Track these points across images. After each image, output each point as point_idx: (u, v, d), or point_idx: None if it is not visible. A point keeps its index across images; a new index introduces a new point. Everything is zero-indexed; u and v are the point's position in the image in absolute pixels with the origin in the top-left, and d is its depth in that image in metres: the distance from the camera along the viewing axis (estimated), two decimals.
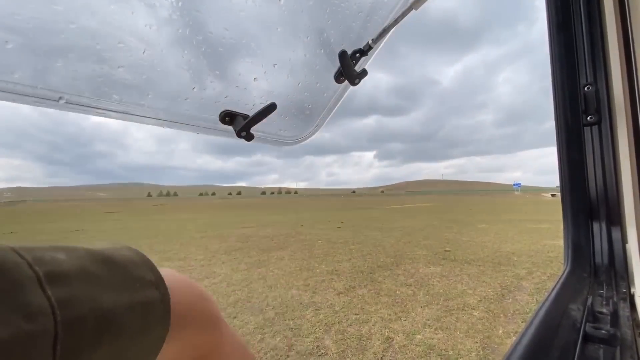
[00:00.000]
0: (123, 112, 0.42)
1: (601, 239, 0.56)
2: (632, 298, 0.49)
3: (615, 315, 0.46)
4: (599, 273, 0.55)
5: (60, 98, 0.37)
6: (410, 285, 4.81)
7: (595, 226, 0.57)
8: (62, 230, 14.81)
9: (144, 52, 0.40)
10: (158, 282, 0.27)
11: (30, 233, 13.58)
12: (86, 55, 0.39)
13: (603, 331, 0.42)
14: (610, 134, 0.56)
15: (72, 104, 0.38)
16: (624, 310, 0.45)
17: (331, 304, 4.11)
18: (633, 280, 0.52)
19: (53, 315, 0.19)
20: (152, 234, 12.35)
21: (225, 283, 5.16)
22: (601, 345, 0.41)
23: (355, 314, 3.74)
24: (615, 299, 0.48)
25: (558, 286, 0.50)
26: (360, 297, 4.31)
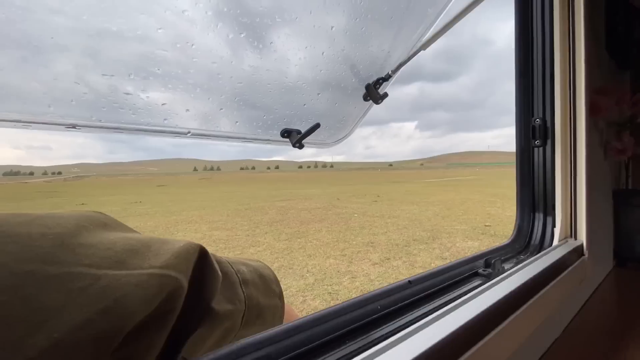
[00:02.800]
0: (217, 136, 0.63)
1: (538, 224, 0.84)
2: None
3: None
4: (529, 247, 0.82)
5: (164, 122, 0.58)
6: (446, 258, 4.91)
7: (537, 215, 0.85)
8: (124, 202, 16.47)
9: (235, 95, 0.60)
10: (280, 295, 0.42)
11: (97, 204, 15.31)
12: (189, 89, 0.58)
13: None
14: (551, 154, 0.83)
15: (175, 131, 0.59)
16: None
17: (367, 273, 4.36)
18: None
19: (245, 303, 0.34)
20: (200, 206, 13.34)
21: (269, 251, 5.62)
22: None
23: (390, 283, 3.96)
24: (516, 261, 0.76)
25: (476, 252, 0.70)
26: (394, 268, 4.52)
